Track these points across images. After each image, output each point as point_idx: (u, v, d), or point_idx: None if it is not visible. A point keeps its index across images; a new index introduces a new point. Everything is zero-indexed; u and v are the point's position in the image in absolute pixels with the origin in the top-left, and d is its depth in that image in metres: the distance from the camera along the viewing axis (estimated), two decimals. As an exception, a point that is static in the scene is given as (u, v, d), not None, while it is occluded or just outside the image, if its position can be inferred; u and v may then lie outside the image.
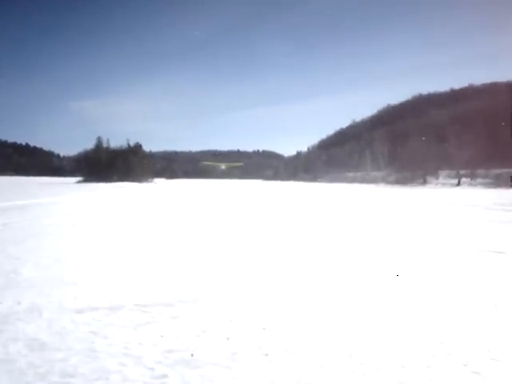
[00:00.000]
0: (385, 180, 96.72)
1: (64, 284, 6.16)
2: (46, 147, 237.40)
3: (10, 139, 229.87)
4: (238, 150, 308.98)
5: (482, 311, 5.04)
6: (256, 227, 13.30)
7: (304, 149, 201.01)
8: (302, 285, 6.25)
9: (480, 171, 74.55)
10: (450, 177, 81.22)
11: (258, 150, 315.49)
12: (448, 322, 4.66)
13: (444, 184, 75.85)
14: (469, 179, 75.32)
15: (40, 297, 5.50)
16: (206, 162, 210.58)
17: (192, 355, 3.75)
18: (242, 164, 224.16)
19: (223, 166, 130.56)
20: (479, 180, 72.77)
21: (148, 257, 8.25)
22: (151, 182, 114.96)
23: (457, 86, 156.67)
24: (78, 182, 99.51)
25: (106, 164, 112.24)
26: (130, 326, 4.49)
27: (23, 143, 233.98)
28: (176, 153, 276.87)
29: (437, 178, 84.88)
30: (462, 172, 77.01)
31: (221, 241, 10.40)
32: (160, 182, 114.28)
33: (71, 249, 9.07)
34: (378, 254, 8.64)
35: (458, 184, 72.79)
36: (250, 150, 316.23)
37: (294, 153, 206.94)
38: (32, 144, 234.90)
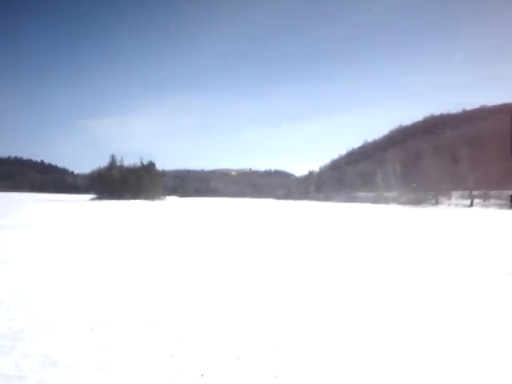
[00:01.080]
0: (397, 200, 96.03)
1: (76, 301, 6.19)
2: (61, 165, 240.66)
3: (25, 156, 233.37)
4: (250, 169, 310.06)
5: (499, 335, 5.01)
6: (265, 251, 13.27)
7: (316, 168, 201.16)
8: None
9: (493, 192, 73.89)
10: (462, 197, 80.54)
11: (270, 170, 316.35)
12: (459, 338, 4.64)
13: (457, 205, 75.16)
14: (482, 200, 74.64)
15: (52, 314, 5.53)
16: (217, 169, 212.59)
17: (202, 375, 3.77)
18: (250, 170, 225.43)
19: (234, 173, 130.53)
20: (492, 201, 72.06)
21: (155, 276, 8.28)
22: (163, 199, 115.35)
23: (469, 106, 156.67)
24: (91, 199, 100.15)
25: (119, 182, 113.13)
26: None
27: (38, 160, 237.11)
28: (188, 171, 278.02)
29: (449, 198, 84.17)
30: (475, 193, 76.38)
31: (226, 265, 10.41)
32: (172, 200, 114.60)
33: (85, 264, 9.12)
34: (398, 279, 8.61)
35: (471, 205, 72.14)
36: (261, 169, 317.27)
37: (305, 172, 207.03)
38: (47, 161, 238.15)
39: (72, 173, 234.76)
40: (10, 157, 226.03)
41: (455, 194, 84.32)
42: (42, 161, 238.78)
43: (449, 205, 77.61)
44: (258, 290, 7.21)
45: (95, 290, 6.92)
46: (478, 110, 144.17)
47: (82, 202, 70.84)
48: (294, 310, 5.96)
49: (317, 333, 4.97)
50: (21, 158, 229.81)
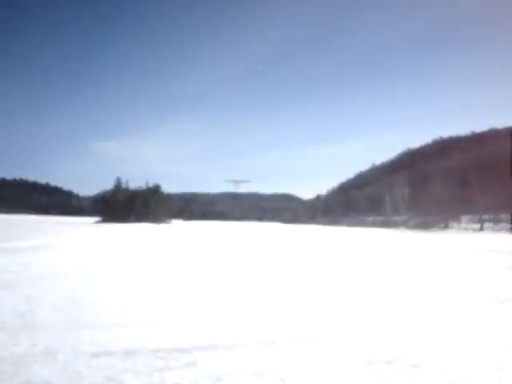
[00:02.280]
0: (405, 224, 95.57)
1: (80, 327, 6.10)
2: (66, 187, 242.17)
3: (31, 178, 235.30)
4: (257, 193, 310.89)
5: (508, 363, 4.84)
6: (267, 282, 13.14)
7: (323, 192, 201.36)
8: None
9: (503, 216, 73.43)
10: (472, 221, 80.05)
11: (277, 193, 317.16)
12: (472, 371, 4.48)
13: (466, 229, 74.64)
14: (492, 224, 74.12)
15: (55, 339, 5.44)
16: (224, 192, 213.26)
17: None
18: (257, 194, 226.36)
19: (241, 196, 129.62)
20: (503, 225, 71.56)
21: (162, 301, 8.17)
22: (168, 223, 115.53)
23: (478, 129, 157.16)
24: (96, 222, 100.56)
25: (124, 205, 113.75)
26: (145, 372, 4.39)
27: (43, 182, 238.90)
28: (195, 194, 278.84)
29: (459, 222, 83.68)
30: (485, 217, 75.93)
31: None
32: (176, 223, 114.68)
33: (86, 290, 9.03)
34: (400, 302, 8.45)
35: (481, 229, 71.60)
36: (268, 192, 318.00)
37: (313, 196, 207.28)
38: (52, 183, 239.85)
39: (77, 195, 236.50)
40: (15, 179, 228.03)
41: (465, 217, 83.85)
42: (47, 183, 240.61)
43: (458, 229, 77.09)
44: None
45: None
46: (487, 132, 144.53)
47: (87, 225, 70.92)
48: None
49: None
50: (26, 181, 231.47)
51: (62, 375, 4.24)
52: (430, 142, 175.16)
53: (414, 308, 7.82)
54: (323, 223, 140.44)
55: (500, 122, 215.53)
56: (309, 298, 8.67)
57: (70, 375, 4.24)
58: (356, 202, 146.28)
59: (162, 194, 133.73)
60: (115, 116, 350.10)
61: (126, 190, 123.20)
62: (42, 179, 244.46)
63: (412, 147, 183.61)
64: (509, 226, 68.23)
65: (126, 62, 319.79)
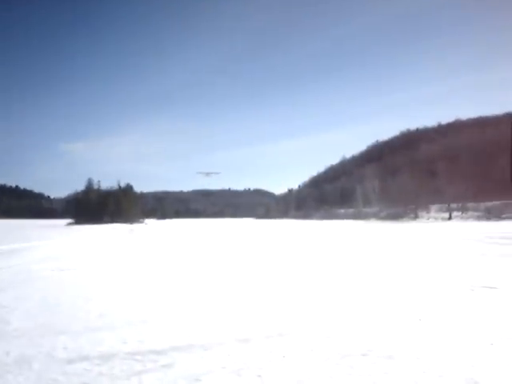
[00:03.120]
0: (376, 216, 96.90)
1: (54, 333, 6.04)
2: (36, 189, 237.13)
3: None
4: (229, 189, 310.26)
5: (480, 351, 4.98)
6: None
7: (295, 186, 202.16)
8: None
9: (471, 204, 75.03)
10: (441, 211, 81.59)
11: (249, 189, 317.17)
12: (445, 360, 4.60)
13: (436, 218, 76.09)
14: (460, 213, 75.67)
15: (29, 347, 5.37)
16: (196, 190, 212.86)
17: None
18: (229, 190, 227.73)
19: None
20: (470, 213, 73.14)
21: (139, 301, 8.14)
22: (142, 222, 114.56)
23: (444, 120, 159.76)
24: (69, 224, 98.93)
25: (96, 205, 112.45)
26: (122, 376, 4.38)
27: (13, 185, 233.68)
28: (167, 193, 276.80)
29: (428, 212, 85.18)
30: (453, 205, 77.47)
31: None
32: (151, 223, 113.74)
33: (60, 295, 8.92)
34: (374, 294, 8.58)
35: (450, 218, 73.08)
36: (241, 188, 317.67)
37: (285, 190, 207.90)
38: (22, 186, 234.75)
39: (48, 197, 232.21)
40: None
41: (434, 207, 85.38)
42: (16, 186, 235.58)
43: (428, 218, 78.52)
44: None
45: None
46: (452, 123, 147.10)
47: (60, 228, 69.74)
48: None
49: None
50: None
51: None
52: (397, 134, 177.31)
53: (390, 297, 7.96)
54: (296, 217, 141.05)
55: (465, 113, 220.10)
56: (279, 295, 8.74)
57: (46, 383, 4.21)
58: (328, 195, 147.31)
59: (135, 193, 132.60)
60: (83, 117, 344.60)
61: (98, 190, 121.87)
62: (10, 182, 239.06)
63: (380, 140, 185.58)
64: (476, 214, 69.77)
65: (94, 61, 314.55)
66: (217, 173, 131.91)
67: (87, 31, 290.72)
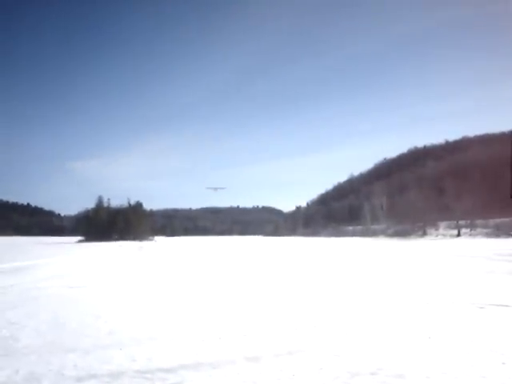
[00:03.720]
0: (384, 233, 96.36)
1: (64, 350, 6.05)
2: (47, 207, 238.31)
3: (11, 199, 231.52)
4: (238, 207, 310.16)
5: (491, 370, 4.94)
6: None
7: (303, 204, 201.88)
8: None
9: (479, 221, 74.50)
10: (449, 228, 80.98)
11: (258, 206, 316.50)
12: (456, 379, 4.56)
13: (444, 235, 75.55)
14: (469, 229, 75.12)
15: (39, 365, 5.39)
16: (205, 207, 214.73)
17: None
18: (238, 208, 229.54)
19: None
20: (479, 230, 72.58)
21: (147, 318, 8.14)
22: (151, 240, 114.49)
23: (452, 137, 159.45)
24: (79, 241, 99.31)
25: (106, 223, 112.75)
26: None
27: (24, 203, 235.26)
28: (176, 210, 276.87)
29: (437, 229, 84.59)
30: (462, 222, 76.92)
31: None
32: (160, 240, 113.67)
33: (69, 313, 8.94)
34: (384, 312, 8.54)
35: (459, 235, 72.54)
36: (249, 206, 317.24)
37: (293, 208, 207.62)
38: (33, 204, 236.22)
39: (58, 215, 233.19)
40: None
41: (442, 224, 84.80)
42: (28, 203, 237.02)
43: (436, 235, 77.97)
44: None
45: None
46: (460, 141, 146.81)
47: (70, 245, 69.86)
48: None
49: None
50: (7, 202, 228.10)
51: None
52: (405, 151, 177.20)
53: (399, 315, 7.92)
54: (304, 235, 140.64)
55: (472, 131, 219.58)
56: (287, 312, 8.73)
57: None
58: (336, 212, 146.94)
59: (144, 211, 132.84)
60: (93, 135, 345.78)
61: (108, 208, 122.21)
62: (22, 200, 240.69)
63: (388, 157, 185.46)
64: (484, 231, 69.24)
65: (105, 80, 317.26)
66: (223, 188, 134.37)
67: (92, 50, 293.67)
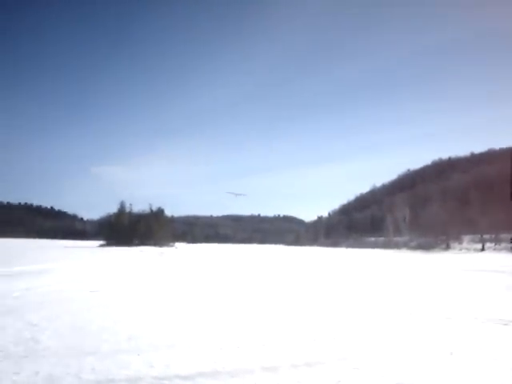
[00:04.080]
0: (407, 245, 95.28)
1: (82, 354, 6.09)
2: (71, 211, 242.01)
3: (36, 203, 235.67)
4: (259, 215, 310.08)
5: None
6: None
7: (325, 214, 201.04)
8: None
9: (504, 235, 73.18)
10: (473, 241, 79.65)
11: (279, 215, 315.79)
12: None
13: (468, 249, 74.29)
14: (493, 244, 73.82)
15: (58, 367, 5.42)
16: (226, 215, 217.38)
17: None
18: (259, 216, 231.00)
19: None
20: (504, 245, 71.27)
21: (166, 325, 8.16)
22: (172, 246, 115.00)
23: (477, 150, 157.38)
24: (100, 245, 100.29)
25: (128, 228, 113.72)
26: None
27: (48, 206, 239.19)
28: (197, 217, 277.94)
29: (460, 243, 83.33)
30: (486, 236, 75.64)
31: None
32: (181, 247, 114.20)
33: (89, 316, 9.01)
34: (405, 326, 8.43)
35: (483, 249, 71.28)
36: (270, 214, 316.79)
37: (314, 218, 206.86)
38: (57, 207, 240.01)
39: (81, 219, 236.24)
40: (20, 203, 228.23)
41: (466, 238, 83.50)
42: (51, 207, 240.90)
43: (460, 249, 76.77)
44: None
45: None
46: (485, 153, 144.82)
47: (91, 249, 70.56)
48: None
49: None
50: (31, 205, 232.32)
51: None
52: (429, 163, 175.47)
53: (420, 329, 7.80)
54: (325, 245, 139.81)
55: (498, 143, 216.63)
56: (305, 323, 8.66)
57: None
58: (357, 223, 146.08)
59: (166, 217, 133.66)
60: (117, 141, 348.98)
61: (130, 213, 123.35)
62: (46, 203, 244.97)
63: (412, 168, 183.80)
64: (509, 245, 67.96)
65: (128, 87, 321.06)
66: (243, 194, 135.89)
67: (119, 57, 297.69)
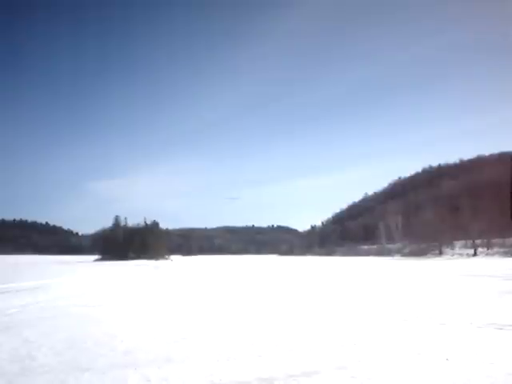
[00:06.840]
0: (400, 252, 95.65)
1: (79, 370, 6.10)
2: (65, 226, 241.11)
3: (30, 219, 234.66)
4: (253, 226, 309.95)
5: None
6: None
7: (318, 223, 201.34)
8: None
9: (496, 240, 73.63)
10: (465, 247, 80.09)
11: (273, 225, 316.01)
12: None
13: (460, 254, 74.63)
14: (485, 249, 74.22)
15: (55, 384, 5.44)
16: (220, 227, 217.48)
17: None
18: (253, 227, 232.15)
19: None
20: (496, 249, 71.71)
21: (163, 339, 8.17)
22: (167, 259, 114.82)
23: (466, 156, 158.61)
24: (96, 260, 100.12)
25: (123, 242, 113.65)
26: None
27: (43, 222, 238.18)
28: (192, 230, 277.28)
29: (452, 248, 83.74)
30: (478, 242, 76.04)
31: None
32: (176, 259, 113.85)
33: (85, 332, 9.01)
34: (397, 332, 8.48)
35: (475, 254, 71.62)
36: (264, 225, 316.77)
37: (308, 227, 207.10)
38: (51, 223, 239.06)
39: (76, 234, 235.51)
40: (14, 220, 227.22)
41: (458, 243, 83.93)
42: (46, 222, 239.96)
43: (452, 255, 77.12)
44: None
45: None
46: (474, 159, 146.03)
47: (86, 264, 70.16)
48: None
49: None
50: (26, 221, 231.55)
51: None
52: (419, 170, 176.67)
53: (414, 335, 7.86)
54: (319, 254, 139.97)
55: (487, 149, 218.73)
56: (302, 332, 8.70)
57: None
58: (351, 231, 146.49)
59: (161, 230, 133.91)
60: (110, 156, 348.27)
61: (125, 227, 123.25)
62: (41, 219, 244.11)
63: (402, 176, 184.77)
64: (501, 250, 68.33)
65: (120, 101, 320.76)
66: (238, 198, 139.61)
67: (112, 72, 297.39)
